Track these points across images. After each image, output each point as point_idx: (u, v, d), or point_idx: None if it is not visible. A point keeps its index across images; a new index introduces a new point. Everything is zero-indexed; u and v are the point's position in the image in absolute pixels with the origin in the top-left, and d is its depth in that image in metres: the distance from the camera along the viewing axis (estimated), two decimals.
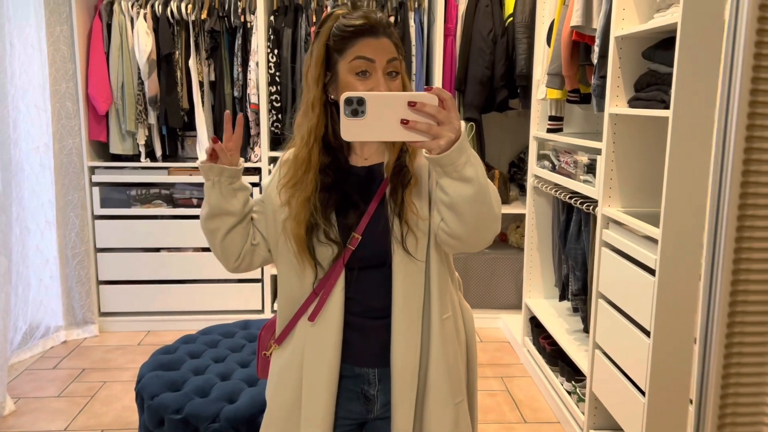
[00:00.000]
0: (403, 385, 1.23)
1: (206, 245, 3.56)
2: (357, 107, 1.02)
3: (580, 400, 2.46)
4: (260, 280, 3.64)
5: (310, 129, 1.21)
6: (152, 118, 3.44)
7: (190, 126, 3.56)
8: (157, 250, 3.56)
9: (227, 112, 1.26)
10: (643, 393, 1.89)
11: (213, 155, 1.26)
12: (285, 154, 1.30)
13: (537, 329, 3.05)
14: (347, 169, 1.26)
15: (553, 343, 2.85)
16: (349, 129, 1.03)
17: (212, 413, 1.99)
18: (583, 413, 2.40)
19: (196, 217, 3.54)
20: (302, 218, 1.21)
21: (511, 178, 4.04)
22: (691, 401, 1.87)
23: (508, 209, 3.65)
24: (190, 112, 3.52)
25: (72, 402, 2.74)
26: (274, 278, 3.70)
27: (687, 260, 1.80)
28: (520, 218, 3.87)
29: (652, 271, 1.85)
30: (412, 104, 1.02)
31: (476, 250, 1.22)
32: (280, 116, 3.46)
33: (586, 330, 2.56)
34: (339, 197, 1.24)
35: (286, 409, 1.27)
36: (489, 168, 3.78)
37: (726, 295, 0.84)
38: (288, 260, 1.26)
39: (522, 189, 3.92)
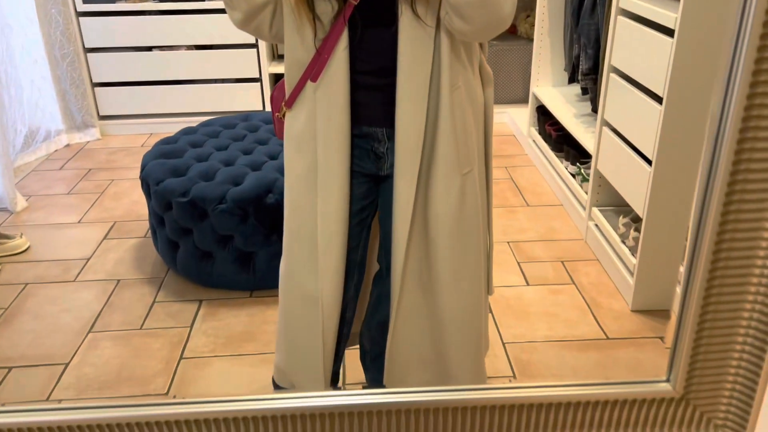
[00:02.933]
0: (407, 151, 1.19)
1: (199, 43, 3.40)
2: None
3: (584, 180, 2.47)
4: (259, 80, 3.53)
5: None
6: None
7: None
8: (149, 48, 3.40)
9: None
10: (649, 162, 1.87)
11: None
12: None
13: (544, 117, 2.99)
14: None
15: (560, 129, 2.81)
16: None
17: (218, 195, 2.01)
18: (586, 193, 2.42)
19: (186, 11, 3.34)
20: None
21: None
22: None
23: None
24: None
25: (82, 198, 2.79)
26: (273, 77, 3.58)
27: (709, 19, 1.67)
28: (530, 6, 3.63)
29: (670, 32, 1.73)
30: None
31: (483, 41, 1.19)
32: None
33: (594, 110, 2.49)
34: None
35: (306, 171, 1.25)
36: None
37: (750, 62, 0.74)
38: (288, 15, 1.17)
39: None
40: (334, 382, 1.40)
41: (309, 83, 1.21)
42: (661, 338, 1.89)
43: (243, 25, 1.22)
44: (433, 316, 1.32)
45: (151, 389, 1.71)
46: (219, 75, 3.47)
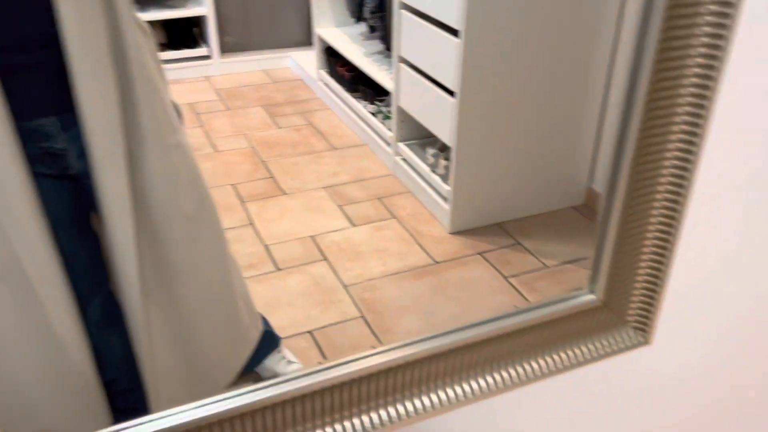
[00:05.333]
0: (105, 139, 0.93)
1: None
2: None
3: (386, 117, 2.55)
4: None
5: None
6: None
7: None
8: None
9: None
10: (452, 94, 1.99)
11: None
12: None
13: (333, 59, 3.00)
14: None
15: (352, 69, 2.84)
16: None
17: None
18: (389, 130, 2.51)
19: None
20: None
21: None
22: None
23: None
24: None
25: None
26: None
27: None
28: None
29: None
30: None
31: None
32: None
33: (387, 48, 2.56)
34: None
35: None
36: None
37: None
38: None
39: None
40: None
41: None
42: (481, 254, 2.08)
43: None
44: (177, 314, 1.18)
45: None
46: None
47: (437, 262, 2.03)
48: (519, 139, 2.10)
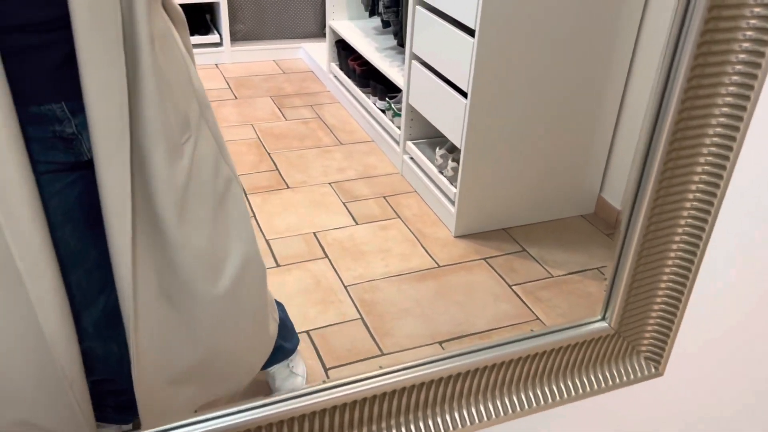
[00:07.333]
0: (109, 133, 0.88)
1: None
2: None
3: (396, 115, 2.50)
4: None
5: None
6: None
7: None
8: None
9: None
10: (464, 94, 1.94)
11: None
12: None
13: (345, 52, 2.95)
14: None
15: (363, 64, 2.79)
16: None
17: None
18: (398, 128, 2.46)
19: None
20: None
21: None
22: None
23: None
24: None
25: None
26: None
27: None
28: None
29: None
30: None
31: None
32: None
33: (400, 44, 2.52)
34: None
35: None
36: None
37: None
38: None
39: None
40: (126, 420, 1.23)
41: None
42: (485, 260, 2.03)
43: None
44: (196, 315, 1.12)
45: None
46: None
47: (440, 266, 1.98)
48: (530, 143, 2.05)
